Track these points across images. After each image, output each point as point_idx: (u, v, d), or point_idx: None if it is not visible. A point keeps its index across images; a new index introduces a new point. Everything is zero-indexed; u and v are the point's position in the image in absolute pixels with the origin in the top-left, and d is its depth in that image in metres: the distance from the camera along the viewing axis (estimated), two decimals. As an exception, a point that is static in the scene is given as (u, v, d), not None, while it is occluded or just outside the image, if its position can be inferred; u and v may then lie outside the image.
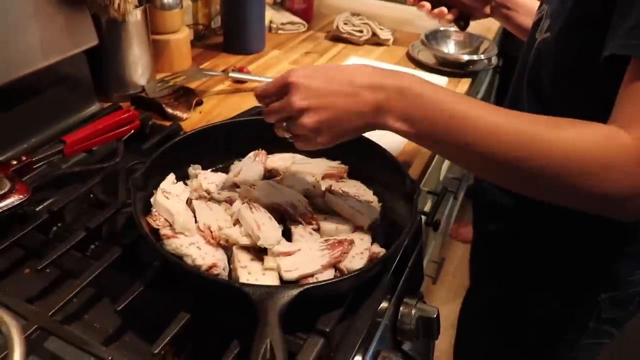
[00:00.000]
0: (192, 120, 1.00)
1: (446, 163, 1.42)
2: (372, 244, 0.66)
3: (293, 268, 0.59)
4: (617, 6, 0.56)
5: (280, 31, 1.46)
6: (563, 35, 0.68)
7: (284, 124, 0.60)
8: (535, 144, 0.52)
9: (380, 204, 0.73)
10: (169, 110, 0.99)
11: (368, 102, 0.56)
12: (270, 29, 1.45)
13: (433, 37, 1.34)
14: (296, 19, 1.48)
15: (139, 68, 1.04)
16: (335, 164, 0.78)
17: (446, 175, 1.43)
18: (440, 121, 0.55)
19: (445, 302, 1.98)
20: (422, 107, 0.55)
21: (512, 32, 1.03)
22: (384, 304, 0.67)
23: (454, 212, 2.11)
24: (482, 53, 1.29)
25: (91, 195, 0.78)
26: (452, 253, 2.27)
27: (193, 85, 1.10)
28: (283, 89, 0.58)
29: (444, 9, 1.04)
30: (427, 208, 1.22)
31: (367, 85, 0.56)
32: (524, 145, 0.52)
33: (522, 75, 0.79)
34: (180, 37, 1.15)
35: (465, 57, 1.25)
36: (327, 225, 0.67)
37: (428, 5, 1.04)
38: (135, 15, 0.98)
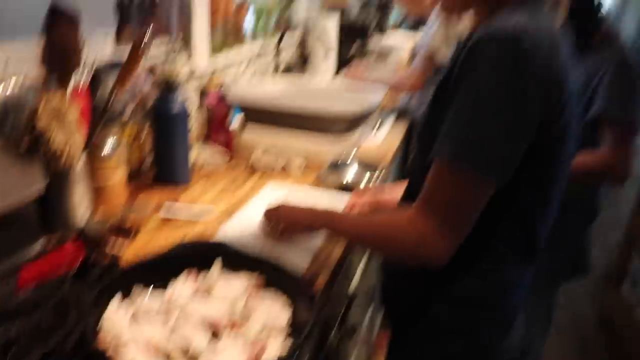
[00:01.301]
0: (128, 253, 1.14)
1: (357, 276, 1.60)
2: (284, 340, 0.82)
3: (221, 367, 0.74)
4: None
5: (205, 165, 1.65)
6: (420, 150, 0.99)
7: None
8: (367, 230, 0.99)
9: (292, 308, 0.89)
10: (108, 246, 1.13)
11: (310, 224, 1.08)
12: (196, 163, 1.64)
13: (336, 165, 1.57)
14: (219, 154, 1.68)
15: (80, 208, 1.18)
16: (255, 275, 0.95)
17: (358, 285, 1.60)
18: (339, 224, 1.03)
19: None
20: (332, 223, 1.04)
21: None
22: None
23: (377, 321, 2.26)
24: (378, 177, 1.53)
25: (42, 323, 0.90)
26: (380, 361, 2.39)
27: (129, 221, 1.25)
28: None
29: None
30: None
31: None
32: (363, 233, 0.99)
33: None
34: (117, 179, 1.32)
35: (363, 182, 1.48)
36: (249, 329, 0.83)
37: None
38: (79, 164, 1.15)
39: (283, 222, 1.14)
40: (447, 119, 0.85)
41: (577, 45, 1.59)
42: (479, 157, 0.82)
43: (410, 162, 1.07)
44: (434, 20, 2.36)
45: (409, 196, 1.04)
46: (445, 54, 2.22)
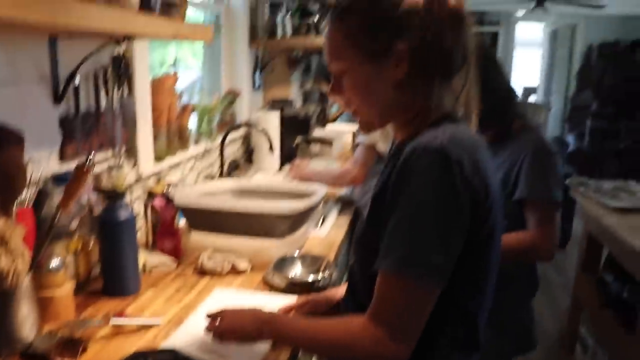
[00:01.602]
0: (78, 368, 1.14)
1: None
2: None
3: None
4: None
5: (153, 271, 1.66)
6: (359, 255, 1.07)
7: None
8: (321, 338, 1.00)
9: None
10: (56, 361, 1.13)
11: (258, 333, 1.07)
12: (144, 269, 1.65)
13: (282, 263, 1.61)
14: (166, 259, 1.70)
15: (27, 325, 1.18)
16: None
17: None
18: (286, 333, 1.04)
19: None
20: (280, 332, 1.04)
21: None
22: None
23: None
24: (325, 271, 1.57)
25: None
26: None
27: (77, 334, 1.24)
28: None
29: None
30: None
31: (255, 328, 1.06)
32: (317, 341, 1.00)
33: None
34: (64, 292, 1.33)
35: (310, 278, 1.53)
36: None
37: None
38: (25, 282, 1.16)
39: (227, 331, 1.10)
40: (387, 232, 0.93)
41: (498, 135, 1.75)
42: (420, 267, 0.90)
43: (351, 266, 1.12)
44: None
45: (351, 294, 1.09)
46: (384, 147, 2.32)
